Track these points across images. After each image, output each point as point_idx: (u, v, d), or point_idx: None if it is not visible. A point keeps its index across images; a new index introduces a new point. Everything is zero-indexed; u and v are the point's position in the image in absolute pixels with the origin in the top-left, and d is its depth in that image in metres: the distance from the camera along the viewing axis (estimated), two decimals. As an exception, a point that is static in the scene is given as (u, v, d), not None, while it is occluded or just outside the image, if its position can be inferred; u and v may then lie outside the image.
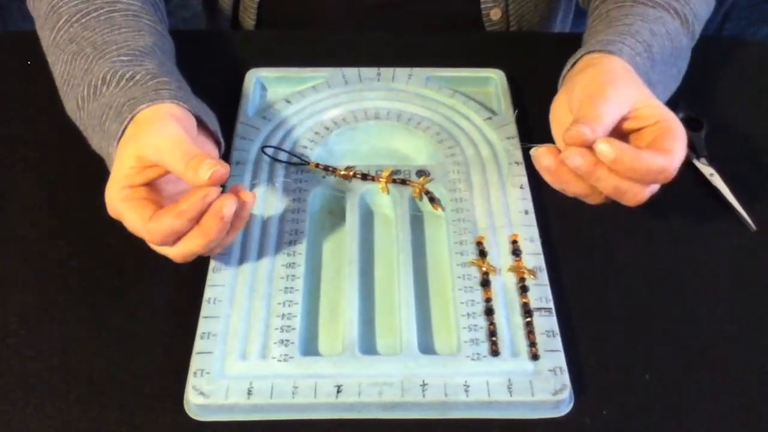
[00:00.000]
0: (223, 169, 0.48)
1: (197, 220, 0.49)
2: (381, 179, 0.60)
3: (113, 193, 0.50)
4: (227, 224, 0.49)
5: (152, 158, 0.50)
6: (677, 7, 0.62)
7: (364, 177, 0.60)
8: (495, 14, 0.82)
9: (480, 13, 0.82)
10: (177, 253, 0.50)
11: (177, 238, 0.49)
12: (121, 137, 0.52)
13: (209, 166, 0.48)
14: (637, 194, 0.50)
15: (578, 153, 0.49)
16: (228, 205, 0.48)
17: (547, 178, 0.52)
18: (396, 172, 0.61)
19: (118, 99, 0.54)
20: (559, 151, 0.50)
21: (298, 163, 0.62)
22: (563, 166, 0.50)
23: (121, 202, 0.50)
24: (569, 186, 0.52)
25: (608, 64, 0.56)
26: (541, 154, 0.51)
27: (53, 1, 0.61)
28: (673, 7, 0.62)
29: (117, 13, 0.60)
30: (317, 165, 0.61)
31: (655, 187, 0.51)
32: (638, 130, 0.53)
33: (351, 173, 0.61)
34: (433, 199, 0.60)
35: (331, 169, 0.61)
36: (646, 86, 0.55)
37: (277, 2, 0.83)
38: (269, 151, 0.62)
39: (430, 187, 0.60)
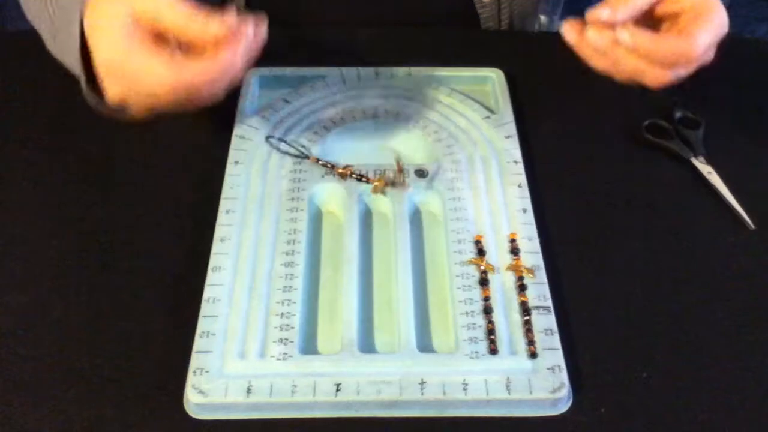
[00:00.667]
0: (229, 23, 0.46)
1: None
2: (374, 182, 0.60)
3: (113, 33, 0.45)
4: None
5: (150, 12, 0.46)
6: None
7: (360, 178, 0.60)
8: None
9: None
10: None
11: (192, 93, 0.46)
12: (84, 8, 0.48)
13: (221, 23, 0.45)
14: (658, 77, 0.52)
15: (597, 31, 0.50)
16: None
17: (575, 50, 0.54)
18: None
19: None
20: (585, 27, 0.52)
21: (299, 156, 0.62)
22: (585, 41, 0.52)
23: (127, 38, 0.45)
24: (592, 60, 0.53)
25: None
26: (566, 30, 0.53)
27: None
28: None
29: None
30: (317, 160, 0.62)
31: (681, 71, 0.52)
32: (676, 15, 0.53)
33: (348, 172, 0.61)
34: (401, 170, 0.60)
35: (330, 165, 0.61)
36: None
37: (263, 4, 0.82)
38: (273, 141, 0.62)
39: (430, 188, 0.60)
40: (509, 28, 0.83)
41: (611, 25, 0.51)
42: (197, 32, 0.45)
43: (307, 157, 0.62)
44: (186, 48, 0.47)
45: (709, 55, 0.53)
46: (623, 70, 0.52)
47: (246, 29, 0.47)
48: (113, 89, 0.48)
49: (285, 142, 0.62)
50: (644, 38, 0.50)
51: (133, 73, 0.46)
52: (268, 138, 0.62)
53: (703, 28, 0.51)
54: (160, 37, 0.47)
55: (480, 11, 0.81)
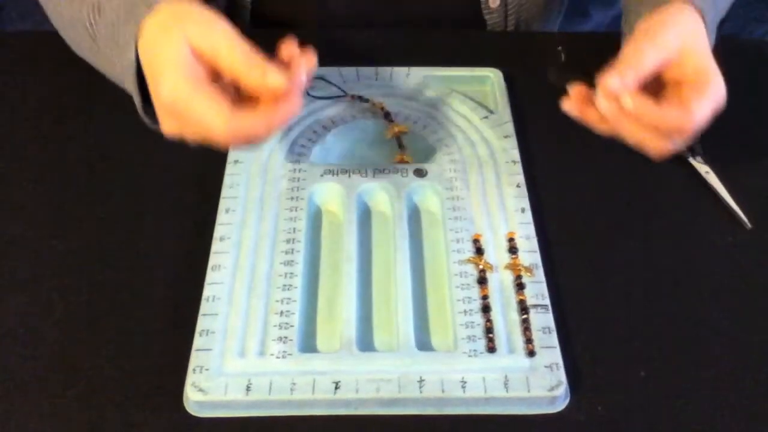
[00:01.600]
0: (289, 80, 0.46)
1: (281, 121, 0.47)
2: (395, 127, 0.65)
3: (177, 76, 0.45)
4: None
5: (208, 52, 0.46)
6: None
7: (386, 115, 0.66)
8: (493, 2, 0.81)
9: (479, 2, 0.81)
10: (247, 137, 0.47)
11: (248, 140, 0.47)
12: (139, 33, 0.48)
13: (282, 79, 0.46)
14: (659, 146, 0.52)
15: (606, 98, 0.51)
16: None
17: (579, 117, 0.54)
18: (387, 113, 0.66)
19: (124, 7, 0.50)
20: (592, 93, 0.53)
21: (337, 96, 0.67)
22: (592, 107, 0.52)
23: (191, 84, 0.44)
24: (598, 126, 0.53)
25: (675, 8, 0.56)
26: (571, 97, 0.53)
27: None
28: None
29: None
30: (353, 97, 0.67)
31: (680, 143, 0.53)
32: (679, 82, 0.53)
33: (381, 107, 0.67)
34: (401, 146, 0.62)
35: (365, 99, 0.67)
36: (705, 41, 0.55)
37: (268, 4, 0.82)
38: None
39: (429, 187, 0.61)
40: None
41: (618, 93, 0.51)
42: (256, 82, 0.45)
43: (345, 94, 0.66)
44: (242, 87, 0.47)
45: (706, 123, 0.54)
46: (627, 137, 0.52)
47: (302, 76, 0.47)
48: (170, 125, 0.48)
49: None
50: (647, 107, 0.51)
51: (193, 118, 0.45)
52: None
53: (703, 102, 0.51)
54: (218, 74, 0.47)
55: (487, 17, 0.82)
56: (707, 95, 0.52)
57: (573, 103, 0.53)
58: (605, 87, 0.51)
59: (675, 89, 0.54)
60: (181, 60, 0.46)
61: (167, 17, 0.48)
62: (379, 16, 0.83)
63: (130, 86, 0.51)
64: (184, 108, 0.45)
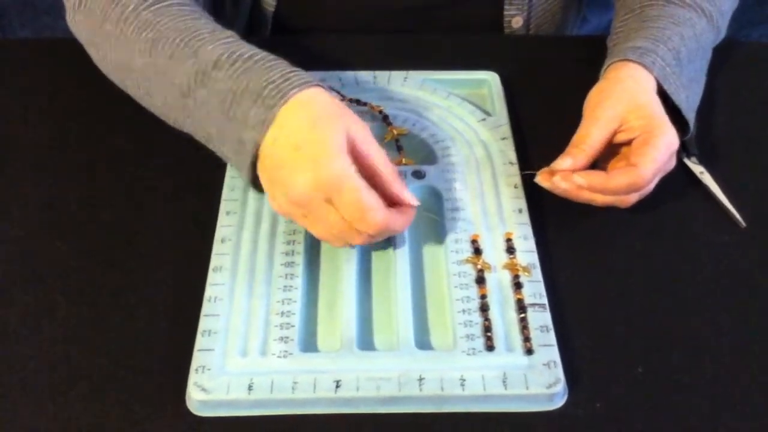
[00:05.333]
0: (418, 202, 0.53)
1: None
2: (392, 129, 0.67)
3: (340, 162, 0.48)
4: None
5: (364, 149, 0.50)
6: (705, 6, 0.66)
7: (385, 118, 0.68)
8: (516, 22, 0.83)
9: (501, 19, 0.83)
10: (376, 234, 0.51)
11: (382, 235, 0.52)
12: (271, 122, 0.50)
13: (413, 197, 0.53)
14: (624, 201, 0.59)
15: (563, 179, 0.58)
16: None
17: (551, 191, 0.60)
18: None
19: (245, 81, 0.52)
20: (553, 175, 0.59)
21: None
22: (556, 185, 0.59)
23: (352, 173, 0.49)
24: (569, 197, 0.59)
25: (619, 75, 0.61)
26: (540, 178, 0.60)
27: None
28: (701, 7, 0.66)
29: (185, 6, 0.58)
30: (351, 100, 0.68)
31: (641, 192, 0.58)
32: (630, 141, 0.59)
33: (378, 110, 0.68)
34: (400, 148, 0.64)
35: (363, 103, 0.68)
36: (647, 96, 0.60)
37: (293, 10, 0.82)
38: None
39: (428, 188, 0.61)
40: None
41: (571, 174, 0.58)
42: (395, 192, 0.52)
43: (344, 98, 0.67)
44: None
45: (671, 164, 0.60)
46: (595, 203, 0.59)
47: (413, 212, 0.53)
48: (288, 206, 0.52)
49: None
50: (597, 179, 0.57)
51: (348, 205, 0.49)
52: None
53: (649, 157, 0.57)
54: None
55: (507, 31, 0.84)
56: (655, 147, 0.57)
57: (545, 178, 0.60)
58: (559, 168, 0.58)
59: (628, 147, 0.59)
60: (345, 147, 0.49)
61: (328, 106, 0.51)
62: (401, 23, 0.83)
63: (243, 162, 0.53)
64: (347, 193, 0.49)
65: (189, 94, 0.54)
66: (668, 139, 0.57)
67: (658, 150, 0.57)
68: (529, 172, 0.62)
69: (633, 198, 0.58)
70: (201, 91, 0.53)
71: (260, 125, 0.50)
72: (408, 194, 0.52)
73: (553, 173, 0.59)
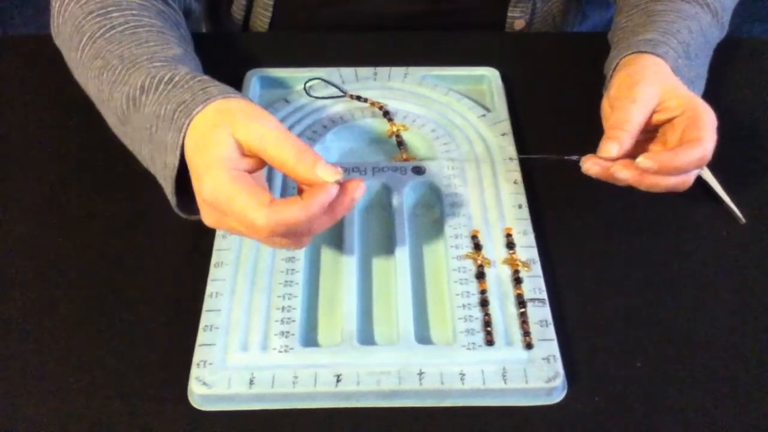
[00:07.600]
0: (339, 174, 0.47)
1: (318, 215, 0.47)
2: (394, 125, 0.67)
3: (220, 174, 0.46)
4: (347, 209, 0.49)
5: (255, 146, 0.47)
6: (709, 1, 0.66)
7: (385, 114, 0.68)
8: (519, 24, 0.83)
9: (504, 23, 0.83)
10: (285, 243, 0.48)
11: (290, 231, 0.47)
12: (183, 142, 0.50)
13: (332, 171, 0.47)
14: (685, 182, 0.55)
15: (624, 167, 0.54)
16: (359, 191, 0.48)
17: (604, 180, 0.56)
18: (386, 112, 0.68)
19: (164, 106, 0.51)
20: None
21: (336, 96, 0.69)
22: (613, 176, 0.54)
23: (233, 182, 0.46)
24: (628, 185, 0.55)
25: (640, 63, 0.59)
26: (588, 168, 0.55)
27: (76, 20, 0.59)
28: (706, 2, 0.66)
29: (141, 28, 0.58)
30: (352, 96, 0.68)
31: (698, 170, 0.56)
32: (669, 120, 0.56)
33: (378, 106, 0.68)
34: (400, 144, 0.64)
35: (364, 99, 0.68)
36: (675, 78, 0.58)
37: (291, 12, 0.83)
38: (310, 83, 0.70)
39: (428, 184, 0.62)
40: None
41: (624, 156, 0.54)
42: (305, 174, 0.46)
43: (344, 94, 0.67)
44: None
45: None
46: (657, 190, 0.55)
47: (354, 184, 0.48)
48: (210, 218, 0.50)
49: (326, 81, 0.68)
50: (665, 158, 0.53)
51: (234, 213, 0.46)
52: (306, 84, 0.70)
53: (707, 130, 0.54)
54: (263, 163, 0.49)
55: (508, 30, 0.84)
56: (709, 123, 0.54)
57: (591, 171, 0.55)
58: (609, 158, 0.54)
59: (668, 128, 0.56)
60: (225, 157, 0.47)
61: (214, 115, 0.49)
62: (405, 27, 0.84)
63: (168, 186, 0.52)
64: (226, 204, 0.46)
65: (126, 121, 0.54)
66: (713, 115, 0.55)
67: (712, 123, 0.55)
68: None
69: (691, 177, 0.55)
70: (134, 116, 0.53)
71: (176, 149, 0.50)
72: (322, 168, 0.47)
73: (598, 161, 0.55)
